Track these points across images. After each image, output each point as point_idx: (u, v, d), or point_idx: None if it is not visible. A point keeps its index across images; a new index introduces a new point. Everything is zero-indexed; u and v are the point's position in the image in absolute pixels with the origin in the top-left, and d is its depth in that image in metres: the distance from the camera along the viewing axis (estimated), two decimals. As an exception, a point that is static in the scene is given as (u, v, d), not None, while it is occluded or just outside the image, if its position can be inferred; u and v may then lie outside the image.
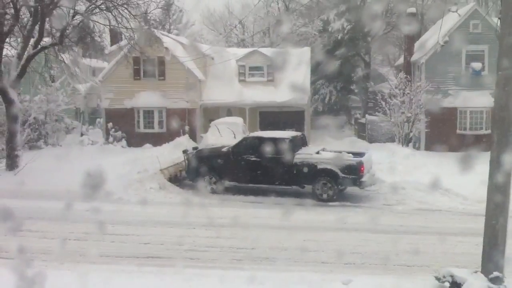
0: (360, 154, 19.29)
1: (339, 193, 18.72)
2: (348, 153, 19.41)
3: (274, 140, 18.90)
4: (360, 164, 18.04)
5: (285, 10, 54.05)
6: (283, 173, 18.70)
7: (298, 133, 21.29)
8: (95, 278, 9.78)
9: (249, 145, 19.47)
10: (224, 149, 20.17)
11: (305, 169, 18.52)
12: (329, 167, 18.32)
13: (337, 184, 18.35)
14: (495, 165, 8.76)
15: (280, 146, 18.67)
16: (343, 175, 18.08)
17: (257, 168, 19.03)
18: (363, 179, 18.00)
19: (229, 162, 19.51)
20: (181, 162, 21.39)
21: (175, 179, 20.76)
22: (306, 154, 19.07)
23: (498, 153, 8.71)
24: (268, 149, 18.39)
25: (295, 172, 18.62)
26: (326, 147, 21.20)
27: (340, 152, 19.55)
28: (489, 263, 8.88)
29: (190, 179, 20.28)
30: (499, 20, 9.22)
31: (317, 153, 19.39)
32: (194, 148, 21.78)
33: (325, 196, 18.27)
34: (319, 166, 18.45)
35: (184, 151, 21.30)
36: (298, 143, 19.91)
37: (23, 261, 9.26)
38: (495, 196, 8.83)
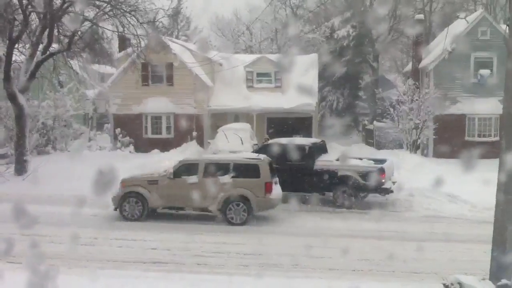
0: (381, 161, 19.08)
1: (361, 200, 18.57)
2: (369, 160, 19.27)
3: (295, 147, 18.62)
4: (381, 171, 17.84)
5: (292, 16, 54.11)
6: (303, 180, 18.48)
7: (318, 140, 20.98)
8: (102, 282, 9.79)
9: (269, 152, 19.17)
10: None
11: (326, 176, 18.34)
12: (349, 174, 18.17)
13: (358, 191, 18.20)
14: (504, 172, 8.72)
15: (300, 153, 18.46)
16: (364, 182, 17.88)
17: (277, 175, 18.87)
18: (384, 186, 17.82)
19: None
20: None
21: None
22: (326, 161, 18.89)
23: (507, 159, 8.67)
24: (288, 156, 18.07)
25: (315, 179, 18.42)
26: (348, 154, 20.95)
27: (361, 159, 19.44)
28: (498, 270, 8.83)
29: None
30: (507, 26, 9.20)
31: (338, 160, 19.24)
32: None
33: (346, 203, 18.06)
34: (340, 173, 18.31)
35: None
36: (319, 150, 19.68)
37: (31, 266, 9.26)
38: (504, 203, 8.79)
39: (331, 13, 47.40)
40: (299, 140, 20.41)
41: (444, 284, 9.09)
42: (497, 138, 27.70)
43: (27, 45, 24.44)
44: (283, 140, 20.35)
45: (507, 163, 8.67)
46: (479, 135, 30.06)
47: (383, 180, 17.73)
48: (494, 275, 8.82)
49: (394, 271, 11.51)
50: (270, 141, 20.31)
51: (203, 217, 15.95)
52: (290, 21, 52.68)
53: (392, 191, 18.29)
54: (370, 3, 44.52)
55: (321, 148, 20.22)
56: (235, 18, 61.45)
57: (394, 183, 18.71)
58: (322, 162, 18.76)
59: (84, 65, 28.91)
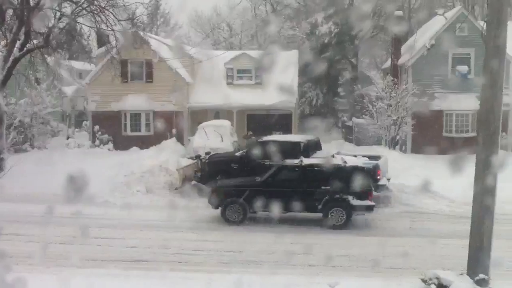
0: (376, 158, 19.03)
1: None
2: (364, 156, 19.22)
3: (288, 144, 18.61)
4: (377, 168, 17.74)
5: (272, 13, 54.09)
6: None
7: (313, 137, 20.82)
8: (80, 282, 9.70)
9: (263, 150, 18.65)
10: (238, 154, 20.02)
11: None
12: None
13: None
14: (481, 167, 8.80)
15: (294, 150, 18.33)
16: None
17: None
18: (380, 183, 17.67)
19: (243, 166, 19.20)
20: (195, 163, 21.43)
21: (189, 179, 20.75)
22: (320, 158, 18.81)
23: (484, 155, 8.75)
24: (282, 153, 17.66)
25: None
26: (341, 151, 20.68)
27: (355, 156, 19.37)
28: (475, 265, 8.91)
29: (204, 183, 19.54)
30: (485, 23, 9.28)
31: (332, 156, 19.15)
32: (207, 153, 21.60)
33: None
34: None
35: (197, 157, 21.29)
36: (313, 147, 19.59)
37: (8, 265, 9.15)
38: (481, 198, 8.87)
39: (312, 10, 47.42)
40: (292, 137, 20.24)
41: (422, 279, 9.15)
42: (474, 134, 27.95)
43: (2, 42, 24.09)
44: (276, 137, 20.22)
45: (484, 158, 8.74)
46: (456, 131, 30.32)
47: (379, 177, 17.65)
48: (472, 270, 8.91)
49: (373, 266, 11.56)
50: (264, 138, 20.12)
51: None
52: (270, 18, 52.69)
53: (387, 188, 18.28)
54: (351, 0, 44.68)
55: (316, 145, 20.13)
56: (215, 14, 61.29)
57: (388, 179, 18.70)
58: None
59: (61, 61, 28.52)
